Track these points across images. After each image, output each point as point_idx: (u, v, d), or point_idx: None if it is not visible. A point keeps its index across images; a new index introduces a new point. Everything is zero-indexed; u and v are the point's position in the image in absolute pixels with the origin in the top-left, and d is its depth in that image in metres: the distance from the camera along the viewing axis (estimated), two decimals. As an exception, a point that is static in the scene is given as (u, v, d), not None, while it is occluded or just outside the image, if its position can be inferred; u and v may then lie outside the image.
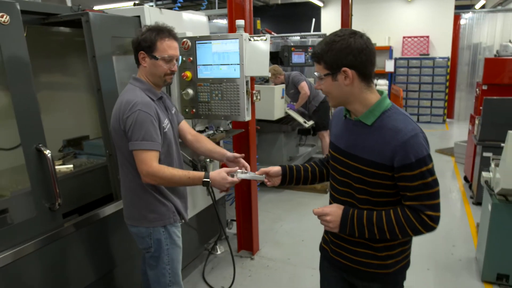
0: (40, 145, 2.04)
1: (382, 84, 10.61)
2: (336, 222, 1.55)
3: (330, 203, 1.70)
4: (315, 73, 1.52)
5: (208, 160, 2.96)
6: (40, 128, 2.08)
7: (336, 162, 1.63)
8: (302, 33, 8.56)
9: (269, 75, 4.86)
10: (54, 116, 2.91)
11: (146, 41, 2.02)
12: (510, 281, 3.08)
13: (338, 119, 1.68)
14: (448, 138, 8.49)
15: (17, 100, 1.97)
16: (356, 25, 8.59)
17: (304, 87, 5.32)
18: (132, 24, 2.71)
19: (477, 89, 5.57)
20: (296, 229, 4.27)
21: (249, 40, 2.58)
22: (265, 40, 2.56)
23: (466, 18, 10.87)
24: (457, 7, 10.86)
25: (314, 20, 9.68)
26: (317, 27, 11.34)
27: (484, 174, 3.25)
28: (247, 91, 2.63)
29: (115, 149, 2.14)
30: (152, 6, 3.09)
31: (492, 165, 3.15)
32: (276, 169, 1.82)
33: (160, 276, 2.19)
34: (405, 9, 10.86)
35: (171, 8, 3.25)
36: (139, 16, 2.73)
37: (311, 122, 5.52)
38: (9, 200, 2.04)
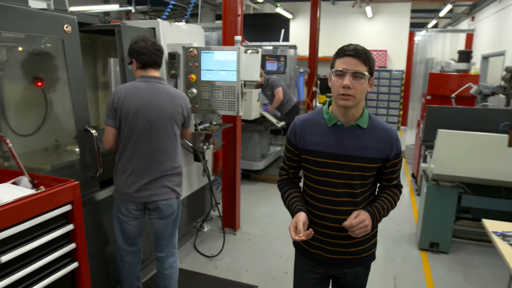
0: (87, 126, 2.65)
1: (344, 92, 11.55)
2: (371, 224, 1.74)
3: (314, 209, 1.84)
4: (355, 70, 1.62)
5: (205, 147, 3.61)
6: (87, 114, 2.69)
7: (332, 167, 1.75)
8: (275, 43, 9.29)
9: (260, 80, 5.55)
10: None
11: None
12: (439, 247, 3.93)
13: (312, 129, 1.79)
14: (401, 143, 9.50)
15: (73, 93, 2.58)
16: (322, 38, 9.55)
17: (279, 92, 6.05)
18: (149, 35, 3.35)
19: (423, 99, 6.53)
20: (270, 212, 5.00)
21: (245, 52, 3.27)
22: (257, 53, 3.27)
23: (420, 35, 12.07)
24: (412, 25, 12.02)
25: (283, 30, 10.47)
26: (286, 38, 12.17)
27: (422, 165, 4.10)
28: (241, 92, 3.32)
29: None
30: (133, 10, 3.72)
31: (428, 157, 4.01)
32: (305, 220, 1.74)
33: (173, 236, 2.83)
34: (366, 25, 11.91)
35: (151, 13, 3.90)
36: (154, 28, 3.37)
37: (282, 123, 6.27)
38: (61, 169, 2.63)
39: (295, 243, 1.95)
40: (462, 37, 12.21)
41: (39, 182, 1.90)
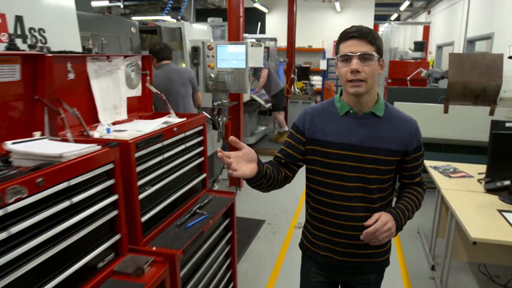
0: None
1: (317, 80, 12.75)
2: (395, 226, 1.51)
3: (325, 207, 1.63)
4: (362, 52, 1.44)
5: (219, 119, 4.68)
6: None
7: (344, 159, 1.56)
8: (256, 36, 10.31)
9: (263, 66, 6.55)
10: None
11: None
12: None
13: (324, 118, 1.62)
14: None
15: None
16: (298, 30, 10.64)
17: (264, 72, 7.04)
18: (178, 33, 4.39)
19: (385, 82, 7.79)
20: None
21: (251, 46, 4.36)
22: (261, 46, 4.36)
23: (383, 27, 13.42)
24: (376, 18, 13.33)
25: (260, 24, 11.51)
26: (262, 30, 13.24)
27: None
28: (248, 76, 4.40)
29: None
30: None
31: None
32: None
33: None
34: (335, 18, 13.14)
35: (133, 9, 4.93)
36: (180, 28, 4.41)
37: (269, 105, 7.37)
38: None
39: (302, 245, 1.79)
40: (420, 28, 13.63)
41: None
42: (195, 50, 4.37)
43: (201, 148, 2.19)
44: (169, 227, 1.82)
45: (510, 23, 6.40)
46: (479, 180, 3.23)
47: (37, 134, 1.44)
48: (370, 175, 1.55)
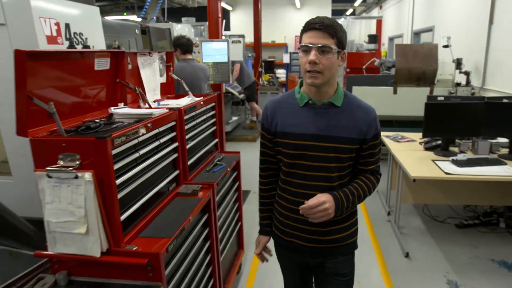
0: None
1: (281, 73, 13.62)
2: (333, 207, 1.55)
3: (289, 195, 1.69)
4: (320, 45, 1.46)
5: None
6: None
7: (306, 149, 1.59)
8: (224, 32, 11.03)
9: (242, 59, 7.27)
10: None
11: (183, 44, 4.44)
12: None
13: (283, 110, 1.66)
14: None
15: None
16: (262, 27, 11.44)
17: (236, 67, 7.79)
18: (167, 33, 5.07)
19: (344, 72, 8.75)
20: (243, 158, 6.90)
21: (232, 42, 5.10)
22: (240, 43, 5.11)
23: (340, 21, 14.45)
24: (333, 12, 14.34)
25: (224, 21, 12.24)
26: (227, 27, 13.94)
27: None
28: (231, 68, 5.15)
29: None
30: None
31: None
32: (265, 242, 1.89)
33: None
34: (295, 14, 14.04)
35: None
36: (169, 28, 5.09)
37: (242, 95, 8.14)
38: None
39: (272, 232, 1.86)
40: (374, 22, 14.79)
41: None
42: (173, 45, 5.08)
43: (214, 119, 2.94)
44: (201, 172, 2.56)
45: (447, 17, 7.48)
46: (420, 143, 4.15)
47: (120, 104, 2.14)
48: (331, 164, 1.59)
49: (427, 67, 5.36)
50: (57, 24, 2.63)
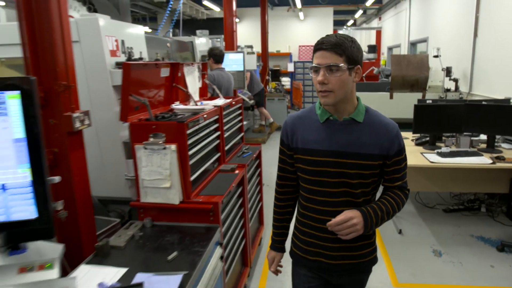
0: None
1: (286, 80, 14.34)
2: (361, 223, 1.54)
3: (312, 213, 1.67)
4: (328, 64, 1.47)
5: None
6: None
7: (327, 166, 1.59)
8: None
9: (256, 67, 7.95)
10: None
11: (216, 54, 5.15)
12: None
13: (304, 126, 1.65)
14: (333, 116, 12.49)
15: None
16: (268, 37, 12.18)
17: (247, 75, 8.51)
18: (190, 46, 5.78)
19: (346, 79, 9.47)
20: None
21: (247, 53, 5.82)
22: (254, 54, 5.82)
23: (341, 32, 15.22)
24: (335, 23, 15.11)
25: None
26: (235, 38, 14.73)
27: (347, 115, 6.91)
28: (245, 76, 5.86)
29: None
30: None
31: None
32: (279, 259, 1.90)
33: None
34: (299, 25, 14.82)
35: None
36: (192, 42, 5.80)
37: (252, 101, 8.84)
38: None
39: (292, 252, 1.82)
40: (373, 33, 15.54)
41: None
42: (204, 58, 5.78)
43: (241, 117, 3.63)
44: (233, 157, 3.25)
45: (439, 29, 8.20)
46: (411, 140, 4.83)
47: (176, 102, 2.83)
48: (353, 180, 1.57)
49: (419, 75, 6.05)
50: (116, 40, 3.32)
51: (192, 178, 2.29)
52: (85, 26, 3.06)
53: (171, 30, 8.50)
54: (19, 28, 2.04)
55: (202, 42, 6.20)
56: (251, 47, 10.55)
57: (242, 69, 5.75)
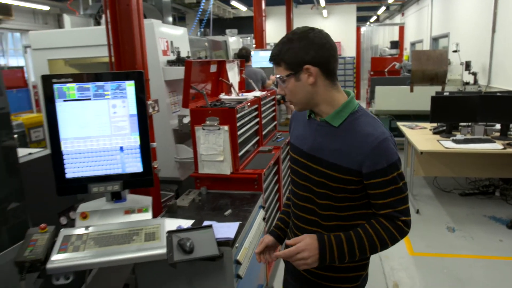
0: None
1: (310, 76, 14.76)
2: (315, 257, 1.35)
3: (293, 210, 1.58)
4: (276, 76, 1.41)
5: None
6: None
7: (297, 165, 1.49)
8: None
9: None
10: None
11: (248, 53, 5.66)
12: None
13: (298, 120, 1.56)
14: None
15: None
16: (293, 36, 12.61)
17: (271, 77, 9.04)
18: (223, 45, 6.31)
19: (369, 74, 9.83)
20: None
21: (276, 51, 6.30)
22: (282, 51, 6.30)
23: (365, 28, 15.48)
24: (358, 19, 15.42)
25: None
26: (260, 35, 15.22)
27: (370, 108, 7.30)
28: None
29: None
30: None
31: (372, 103, 7.22)
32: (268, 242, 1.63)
33: None
34: (323, 23, 15.20)
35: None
36: (225, 40, 6.33)
37: (278, 96, 9.31)
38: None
39: None
40: (396, 28, 15.74)
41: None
42: (237, 56, 6.30)
43: (274, 107, 4.13)
44: (269, 141, 3.75)
45: (459, 25, 8.48)
46: (430, 129, 5.22)
47: (222, 94, 3.35)
48: (318, 189, 1.43)
49: (439, 69, 6.40)
50: (167, 41, 3.86)
51: (240, 154, 2.80)
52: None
53: (202, 29, 9.06)
54: (106, 32, 2.59)
55: (233, 41, 6.72)
56: (277, 44, 11.02)
57: (271, 65, 6.21)
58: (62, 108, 1.75)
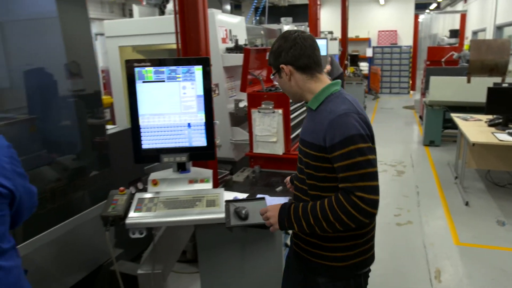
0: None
1: (363, 66, 14.53)
2: (275, 218, 1.58)
3: (293, 191, 1.81)
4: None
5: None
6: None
7: (298, 150, 1.68)
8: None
9: (338, 52, 8.51)
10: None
11: None
12: (435, 143, 7.07)
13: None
14: (411, 102, 12.52)
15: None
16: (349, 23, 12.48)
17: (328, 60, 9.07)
18: (278, 33, 6.47)
19: (425, 63, 9.60)
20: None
21: (329, 39, 6.38)
22: (336, 40, 6.38)
23: (423, 16, 14.98)
24: (417, 6, 14.89)
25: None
26: (314, 23, 15.14)
27: (424, 99, 7.21)
28: (328, 60, 6.43)
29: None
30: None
31: (427, 93, 7.12)
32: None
33: None
34: (379, 10, 14.86)
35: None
36: (280, 29, 6.49)
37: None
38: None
39: None
40: (458, 16, 15.08)
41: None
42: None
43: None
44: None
45: (526, 13, 8.06)
46: (485, 121, 5.13)
47: (276, 80, 3.56)
48: (306, 169, 1.58)
49: (499, 59, 6.19)
50: (226, 30, 4.09)
51: (292, 136, 3.00)
52: (205, 19, 3.85)
53: (257, 17, 9.25)
54: (174, 21, 2.86)
55: (288, 29, 6.87)
56: (331, 33, 11.02)
57: (325, 53, 6.34)
58: (141, 89, 2.04)
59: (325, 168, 1.51)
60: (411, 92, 14.70)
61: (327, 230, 1.48)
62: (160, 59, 2.03)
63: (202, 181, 2.24)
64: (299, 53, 1.55)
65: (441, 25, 15.33)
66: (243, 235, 2.27)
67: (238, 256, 2.33)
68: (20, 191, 1.32)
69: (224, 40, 4.01)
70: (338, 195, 1.45)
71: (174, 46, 2.95)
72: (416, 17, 14.83)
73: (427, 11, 15.25)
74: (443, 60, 8.71)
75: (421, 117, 9.27)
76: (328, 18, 14.84)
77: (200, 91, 2.06)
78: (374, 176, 1.44)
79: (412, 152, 7.00)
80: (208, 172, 2.32)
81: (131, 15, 7.72)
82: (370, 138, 1.50)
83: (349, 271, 1.61)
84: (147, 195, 2.11)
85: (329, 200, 1.47)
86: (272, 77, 1.69)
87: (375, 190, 1.42)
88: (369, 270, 1.69)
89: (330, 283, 1.62)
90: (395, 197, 4.95)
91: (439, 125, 6.97)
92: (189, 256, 3.44)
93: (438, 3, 17.93)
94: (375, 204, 1.41)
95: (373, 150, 1.49)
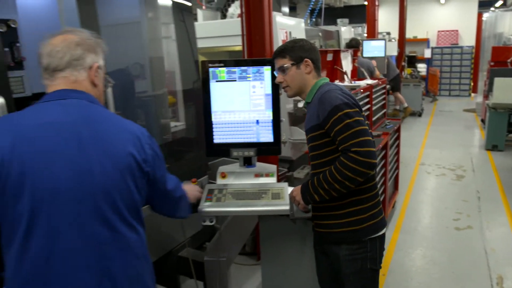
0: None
1: (421, 67, 14.10)
2: (299, 195, 1.89)
3: None
4: (278, 67, 1.92)
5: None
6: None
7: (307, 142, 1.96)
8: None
9: (396, 53, 8.44)
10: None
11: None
12: (498, 148, 6.77)
13: None
14: (472, 105, 11.95)
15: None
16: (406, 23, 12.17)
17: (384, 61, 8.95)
18: (335, 34, 6.51)
19: (488, 65, 9.19)
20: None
21: (387, 40, 6.32)
22: (394, 41, 6.30)
23: (488, 14, 14.22)
24: (480, 4, 14.21)
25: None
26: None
27: (486, 101, 6.93)
28: (385, 62, 6.37)
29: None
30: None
31: (490, 96, 6.84)
32: None
33: None
34: (439, 9, 14.37)
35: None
36: (338, 30, 6.52)
37: (388, 86, 9.20)
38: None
39: None
40: (527, 14, 14.21)
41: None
42: (351, 45, 6.46)
43: (384, 95, 4.28)
44: (378, 127, 3.93)
45: None
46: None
47: (336, 81, 3.62)
48: (311, 152, 1.92)
49: None
50: (286, 32, 4.20)
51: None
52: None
53: (313, 19, 9.29)
54: (241, 24, 3.02)
55: (345, 30, 6.88)
56: (389, 33, 10.83)
57: (383, 55, 6.28)
58: (214, 87, 2.21)
59: (326, 143, 1.80)
60: (472, 94, 14.05)
61: (341, 190, 1.73)
62: (232, 59, 2.18)
63: (267, 175, 2.37)
64: (317, 56, 1.94)
65: (507, 23, 14.44)
66: (304, 229, 2.37)
67: (298, 248, 2.43)
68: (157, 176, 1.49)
69: (283, 42, 4.13)
70: (340, 157, 1.70)
71: (236, 48, 3.11)
72: (480, 15, 14.15)
73: (492, 8, 14.48)
74: (509, 60, 8.28)
75: (483, 121, 8.90)
76: (386, 19, 14.54)
77: (269, 90, 2.20)
78: (365, 132, 1.69)
79: (472, 156, 6.75)
80: (273, 167, 2.44)
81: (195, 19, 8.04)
82: (356, 106, 1.77)
83: (364, 234, 1.83)
84: (216, 187, 2.26)
85: (334, 164, 1.71)
86: (283, 66, 1.89)
87: (368, 143, 1.67)
88: (384, 235, 1.92)
89: (348, 254, 1.85)
90: (454, 201, 4.83)
91: (503, 129, 6.67)
92: (248, 249, 3.60)
93: (505, 0, 16.99)
94: (370, 154, 1.66)
95: (359, 113, 1.75)
